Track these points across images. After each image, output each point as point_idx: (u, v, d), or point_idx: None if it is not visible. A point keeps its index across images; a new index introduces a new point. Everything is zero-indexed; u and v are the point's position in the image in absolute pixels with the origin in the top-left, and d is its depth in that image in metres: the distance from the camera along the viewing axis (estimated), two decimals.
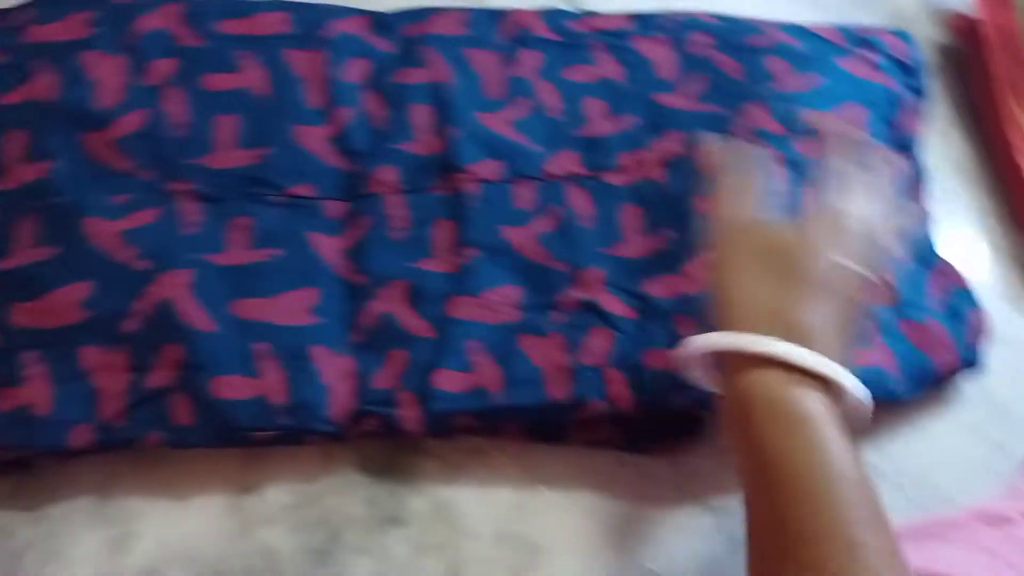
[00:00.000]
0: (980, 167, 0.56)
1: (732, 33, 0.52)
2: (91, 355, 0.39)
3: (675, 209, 0.46)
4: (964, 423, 0.48)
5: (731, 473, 0.44)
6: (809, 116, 0.48)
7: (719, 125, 0.49)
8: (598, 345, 0.42)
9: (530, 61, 0.51)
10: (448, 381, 0.41)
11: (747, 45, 0.52)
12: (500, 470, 0.43)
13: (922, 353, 0.46)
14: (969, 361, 0.47)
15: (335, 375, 0.41)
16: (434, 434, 0.41)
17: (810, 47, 0.52)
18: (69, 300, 0.40)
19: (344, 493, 0.41)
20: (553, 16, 0.53)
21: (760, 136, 0.48)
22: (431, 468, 0.43)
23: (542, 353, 0.42)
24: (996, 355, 0.48)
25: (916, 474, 0.45)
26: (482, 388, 0.41)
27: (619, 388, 0.41)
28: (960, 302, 0.48)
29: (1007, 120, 0.54)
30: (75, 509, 0.39)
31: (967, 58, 0.58)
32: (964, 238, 0.54)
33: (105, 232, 0.41)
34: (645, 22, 0.53)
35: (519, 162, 0.47)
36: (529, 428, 0.42)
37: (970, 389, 0.49)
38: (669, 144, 0.48)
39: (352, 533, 0.41)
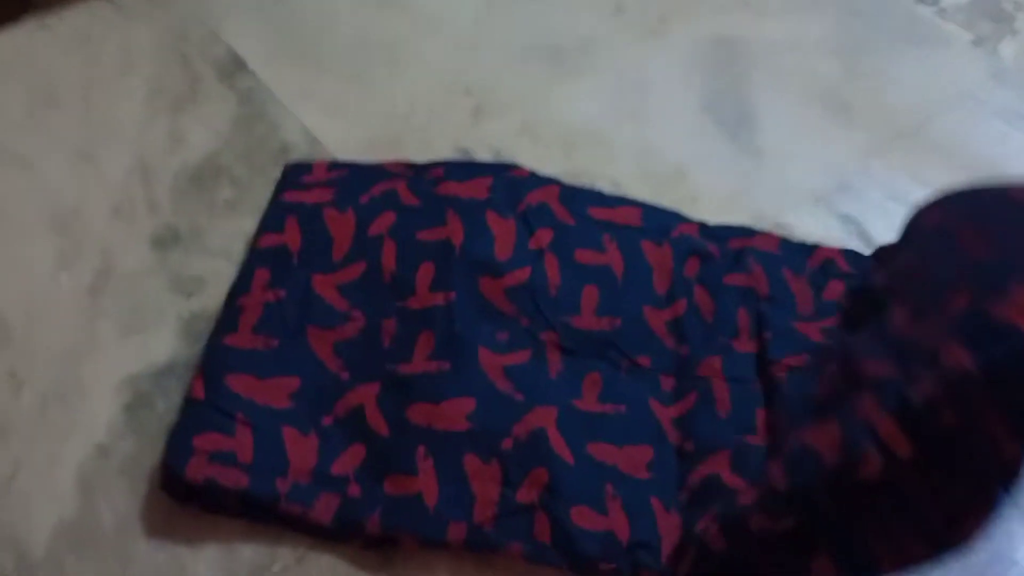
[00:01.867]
0: None
1: None
2: (472, 463, 0.51)
3: None
4: None
5: None
6: None
7: None
8: (868, 404, 0.46)
9: (837, 287, 0.64)
10: (747, 496, 0.49)
11: None
12: None
13: None
14: None
15: (666, 528, 0.51)
16: (731, 542, 0.48)
17: None
18: (458, 411, 0.52)
19: None
20: (855, 257, 0.67)
21: None
22: None
23: (820, 436, 0.47)
24: None
25: None
26: (772, 488, 0.47)
27: (891, 429, 0.43)
28: None
29: None
30: None
31: None
32: None
33: (491, 363, 0.55)
34: None
35: (824, 356, 0.58)
36: (836, 557, 0.49)
37: None
38: None
39: None
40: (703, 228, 0.66)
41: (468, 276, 0.58)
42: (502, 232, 0.61)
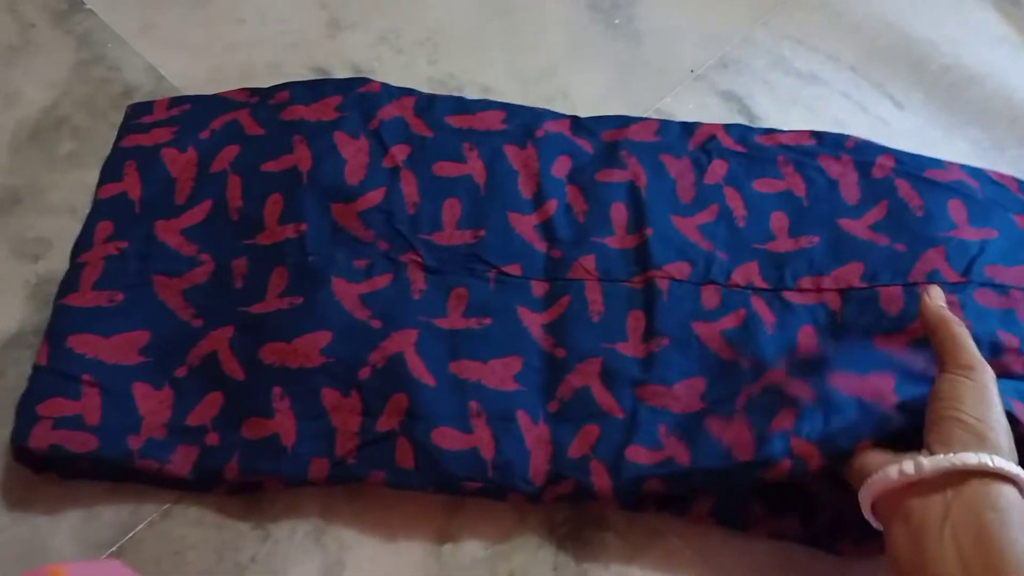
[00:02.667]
0: None
1: (914, 162, 0.63)
2: (330, 396, 0.50)
3: (848, 340, 0.54)
4: None
5: None
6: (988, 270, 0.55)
7: (896, 261, 0.57)
8: (785, 418, 0.49)
9: (719, 169, 0.62)
10: (638, 455, 0.49)
11: (928, 177, 0.61)
12: (677, 554, 0.51)
13: None
14: None
15: (533, 441, 0.50)
16: (623, 500, 0.49)
17: (989, 193, 0.60)
18: (312, 346, 0.51)
19: (533, 554, 0.50)
20: (739, 130, 0.64)
21: (933, 278, 0.55)
22: (612, 544, 0.50)
23: (729, 432, 0.50)
24: None
25: None
26: (671, 459, 0.49)
27: (807, 449, 0.47)
28: None
29: None
30: (296, 533, 0.49)
31: None
32: None
33: (347, 292, 0.53)
34: (830, 140, 0.64)
35: (706, 267, 0.57)
36: (715, 509, 0.50)
37: None
38: (847, 274, 0.56)
39: None
40: (575, 123, 0.63)
41: (319, 204, 0.56)
42: (352, 153, 0.58)
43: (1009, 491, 0.40)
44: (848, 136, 0.64)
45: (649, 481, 0.49)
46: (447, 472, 0.48)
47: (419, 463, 0.48)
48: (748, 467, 0.48)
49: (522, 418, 0.51)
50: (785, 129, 0.65)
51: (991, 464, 0.40)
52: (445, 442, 0.49)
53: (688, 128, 0.64)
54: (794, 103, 0.70)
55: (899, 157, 0.62)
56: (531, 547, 0.50)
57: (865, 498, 0.44)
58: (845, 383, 0.50)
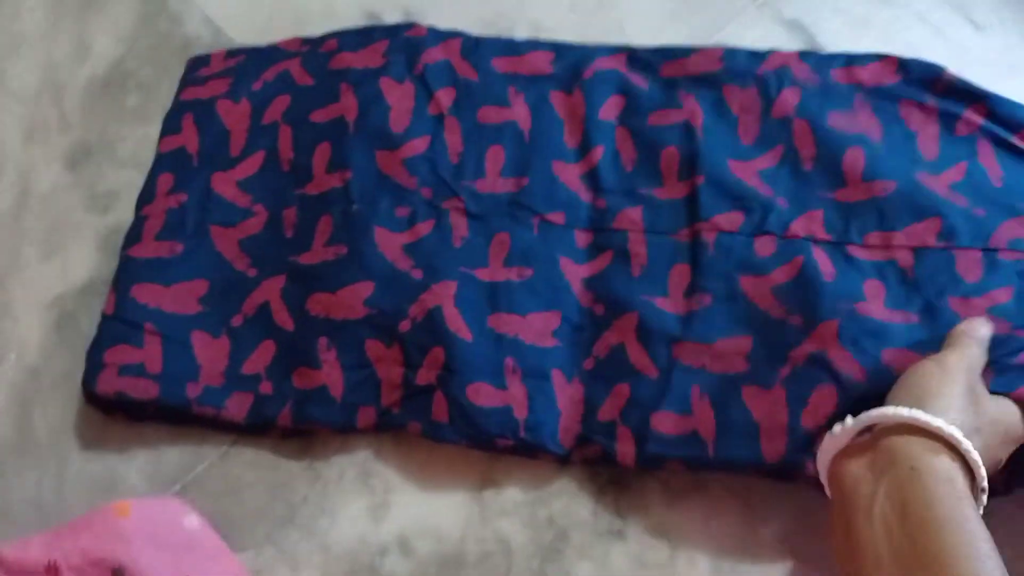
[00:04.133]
0: None
1: (1008, 116, 0.54)
2: (374, 347, 0.50)
3: (918, 295, 0.50)
4: None
5: None
6: None
7: (975, 224, 0.51)
8: (821, 402, 0.46)
9: (790, 99, 0.56)
10: (665, 423, 0.47)
11: (1015, 144, 0.53)
12: (721, 503, 0.49)
13: None
14: None
15: (566, 401, 0.49)
16: (645, 469, 0.48)
17: None
18: (355, 297, 0.51)
19: (572, 500, 0.49)
20: (815, 59, 0.58)
21: (1017, 246, 0.50)
22: (653, 491, 0.49)
23: (763, 408, 0.47)
24: None
25: None
26: (696, 433, 0.47)
27: None
28: None
29: None
30: (345, 475, 0.50)
31: None
32: None
33: (389, 242, 0.52)
34: (917, 77, 0.56)
35: (762, 217, 0.52)
36: None
37: None
38: (923, 231, 0.51)
39: (578, 537, 0.48)
40: (631, 57, 0.59)
41: (364, 152, 0.55)
42: (397, 99, 0.57)
43: (942, 460, 0.37)
44: (940, 71, 0.56)
45: (671, 462, 0.48)
46: (480, 428, 0.48)
47: (452, 418, 0.48)
48: (772, 471, 0.47)
49: (556, 377, 0.49)
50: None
51: (906, 414, 0.37)
52: (479, 399, 0.48)
53: (757, 56, 0.58)
54: (866, 28, 0.64)
55: (992, 108, 0.54)
56: (571, 492, 0.50)
57: (822, 466, 0.42)
58: (899, 361, 0.46)
